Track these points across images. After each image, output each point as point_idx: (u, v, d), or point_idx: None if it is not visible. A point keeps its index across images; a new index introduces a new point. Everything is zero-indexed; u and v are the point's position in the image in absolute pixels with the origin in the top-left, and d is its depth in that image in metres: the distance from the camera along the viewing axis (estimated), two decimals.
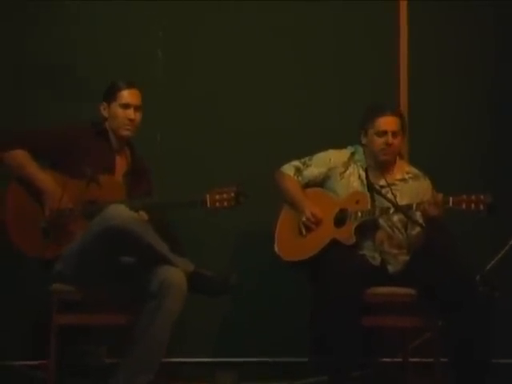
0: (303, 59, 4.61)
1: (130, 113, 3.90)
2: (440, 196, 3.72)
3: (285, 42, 4.60)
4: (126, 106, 3.90)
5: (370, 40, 4.62)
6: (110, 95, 3.92)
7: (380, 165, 4.02)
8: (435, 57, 4.63)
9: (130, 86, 3.93)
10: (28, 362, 4.22)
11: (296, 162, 4.16)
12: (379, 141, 3.98)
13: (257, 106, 4.55)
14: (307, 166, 4.13)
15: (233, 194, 3.79)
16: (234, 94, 4.55)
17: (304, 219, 4.00)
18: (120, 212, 3.55)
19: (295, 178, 4.12)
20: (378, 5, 4.62)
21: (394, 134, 3.96)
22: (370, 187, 3.99)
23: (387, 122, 3.97)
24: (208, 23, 4.56)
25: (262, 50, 4.58)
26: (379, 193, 3.93)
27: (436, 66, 4.63)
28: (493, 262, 4.48)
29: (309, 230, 4.00)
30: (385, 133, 3.96)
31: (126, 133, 3.93)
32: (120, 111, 3.90)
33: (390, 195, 3.88)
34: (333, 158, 4.11)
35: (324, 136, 4.38)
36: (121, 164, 3.95)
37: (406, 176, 4.05)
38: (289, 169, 4.15)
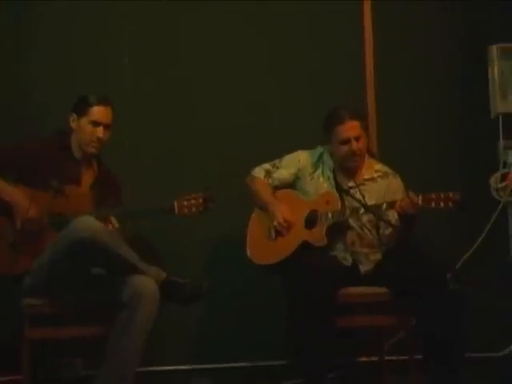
0: (271, 61, 4.60)
1: (100, 131, 3.83)
2: (413, 195, 3.71)
3: (252, 44, 4.59)
4: (96, 124, 3.83)
5: (335, 40, 4.62)
6: (81, 109, 3.84)
7: (347, 167, 4.02)
8: (400, 55, 4.65)
9: (103, 103, 3.84)
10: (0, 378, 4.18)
11: (266, 165, 4.15)
12: (344, 148, 3.95)
13: (227, 111, 4.53)
14: (277, 168, 4.12)
15: (201, 200, 3.78)
16: (203, 99, 4.53)
17: (276, 224, 3.99)
18: (89, 223, 3.52)
19: (265, 180, 4.12)
20: (342, 5, 4.62)
21: (357, 139, 3.94)
22: (338, 188, 3.99)
23: (348, 129, 3.93)
24: (176, 26, 4.53)
25: (229, 53, 4.56)
26: (347, 193, 3.93)
27: (402, 63, 4.65)
28: (464, 259, 4.50)
29: (279, 234, 4.00)
30: (348, 140, 3.94)
31: (91, 150, 3.86)
32: (89, 128, 3.83)
33: (358, 195, 3.89)
34: (302, 158, 4.10)
35: (294, 137, 4.37)
36: (87, 175, 3.91)
37: (375, 175, 4.05)
38: (259, 172, 4.15)
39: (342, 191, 3.97)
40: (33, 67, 4.42)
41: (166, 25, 4.53)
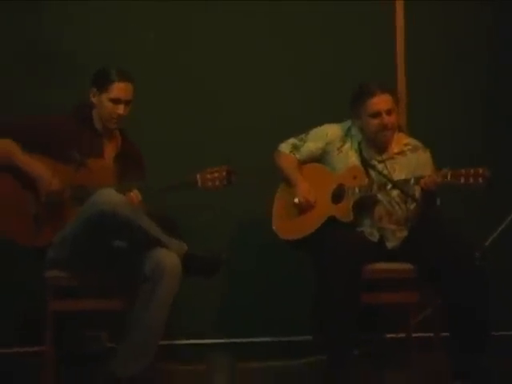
0: (300, 59, 4.55)
1: (120, 108, 3.79)
2: (440, 173, 3.65)
3: (281, 38, 4.54)
4: (116, 101, 3.78)
5: (367, 40, 4.56)
6: (102, 85, 3.79)
7: (376, 141, 3.95)
8: (432, 55, 4.60)
9: (123, 79, 3.78)
10: (25, 349, 4.20)
11: (293, 139, 4.11)
12: (374, 122, 3.89)
13: (250, 93, 4.49)
14: (304, 142, 4.07)
15: (224, 173, 3.75)
16: (226, 83, 4.48)
17: (296, 201, 3.95)
18: (110, 196, 3.51)
19: (292, 155, 4.08)
20: (374, 5, 4.57)
21: (389, 112, 3.88)
22: (364, 162, 3.93)
23: (379, 102, 3.86)
24: (199, 19, 4.50)
25: (257, 47, 4.52)
26: (373, 168, 3.88)
27: (433, 63, 4.60)
28: (492, 237, 4.45)
29: (300, 212, 3.97)
30: (379, 113, 3.88)
31: (112, 126, 3.83)
32: (110, 105, 3.78)
33: (385, 171, 3.83)
34: (330, 132, 4.05)
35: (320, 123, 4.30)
36: (110, 148, 3.89)
37: (405, 148, 3.99)
38: (285, 147, 4.11)
39: (368, 166, 3.91)
40: (53, 41, 4.39)
41: (190, 18, 4.49)
